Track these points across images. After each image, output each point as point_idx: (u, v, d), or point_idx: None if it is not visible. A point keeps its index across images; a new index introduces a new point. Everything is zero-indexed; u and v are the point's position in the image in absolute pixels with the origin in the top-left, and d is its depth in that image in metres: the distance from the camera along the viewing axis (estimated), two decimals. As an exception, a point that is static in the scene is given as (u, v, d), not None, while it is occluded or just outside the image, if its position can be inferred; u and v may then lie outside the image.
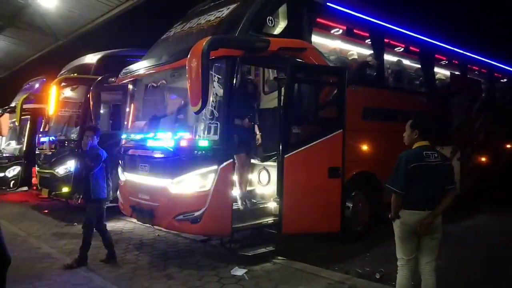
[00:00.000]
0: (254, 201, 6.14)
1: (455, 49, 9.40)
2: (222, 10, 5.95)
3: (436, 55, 9.05)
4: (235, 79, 5.17)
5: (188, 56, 4.65)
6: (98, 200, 5.48)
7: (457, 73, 9.41)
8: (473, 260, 5.60)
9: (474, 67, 10.43)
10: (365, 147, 6.67)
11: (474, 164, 9.00)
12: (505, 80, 11.78)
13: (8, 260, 3.83)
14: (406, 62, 8.71)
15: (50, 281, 4.84)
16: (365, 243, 6.33)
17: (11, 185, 11.25)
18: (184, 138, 5.49)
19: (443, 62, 9.47)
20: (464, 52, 9.70)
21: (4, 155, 11.85)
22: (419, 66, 8.71)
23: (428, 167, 3.64)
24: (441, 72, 9.48)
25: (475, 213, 8.48)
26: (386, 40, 7.70)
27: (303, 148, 5.50)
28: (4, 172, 11.25)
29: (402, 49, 8.43)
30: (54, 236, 7.11)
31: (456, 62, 9.68)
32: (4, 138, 12.36)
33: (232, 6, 5.90)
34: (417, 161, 3.64)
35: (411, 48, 8.53)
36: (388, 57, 7.92)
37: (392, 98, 7.34)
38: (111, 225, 7.73)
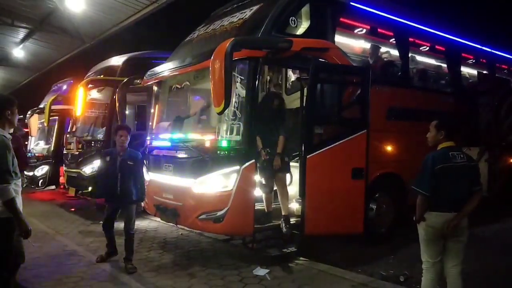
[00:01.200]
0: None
1: (483, 47, 9.17)
2: (245, 12, 5.98)
3: (463, 54, 8.84)
4: (257, 79, 5.18)
5: (212, 57, 4.69)
6: (136, 201, 5.54)
7: (484, 72, 9.18)
8: (500, 266, 5.43)
9: (502, 66, 10.15)
10: (389, 148, 6.58)
11: (502, 165, 8.76)
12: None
13: (18, 264, 3.68)
14: (432, 61, 8.55)
15: (77, 278, 4.95)
16: (389, 245, 6.24)
17: (40, 184, 11.53)
18: (207, 138, 5.53)
19: (470, 61, 9.25)
20: (492, 50, 9.44)
21: (33, 154, 12.17)
22: (445, 65, 8.53)
23: (455, 168, 3.57)
24: (469, 71, 9.25)
25: (504, 217, 8.23)
26: (411, 39, 7.57)
27: (326, 148, 5.47)
28: (33, 171, 11.57)
29: (428, 48, 8.28)
30: (80, 234, 7.28)
31: (484, 60, 9.43)
32: (33, 138, 12.74)
33: (255, 7, 5.92)
34: (443, 162, 3.58)
35: (436, 47, 8.36)
36: (413, 56, 7.80)
37: (417, 98, 7.20)
38: (136, 224, 7.85)
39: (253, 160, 5.16)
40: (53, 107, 10.61)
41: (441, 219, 3.58)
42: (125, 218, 5.44)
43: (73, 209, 9.69)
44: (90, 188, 8.69)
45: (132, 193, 5.38)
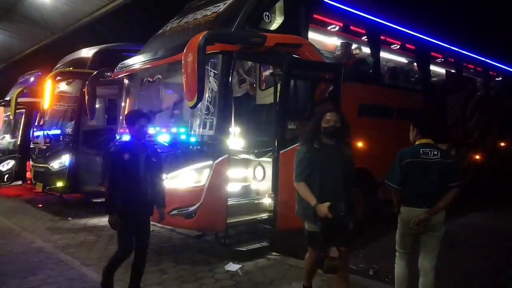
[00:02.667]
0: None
1: (451, 47, 9.42)
2: (219, 5, 5.93)
3: (432, 53, 9.06)
4: (231, 74, 5.16)
5: (184, 50, 4.64)
6: (162, 207, 4.31)
7: (452, 71, 9.44)
8: (467, 259, 5.61)
9: (469, 66, 10.45)
10: (360, 144, 6.67)
11: (468, 162, 9.05)
12: (500, 78, 11.83)
13: None
14: (402, 59, 8.73)
15: (44, 276, 4.82)
16: (359, 239, 6.34)
17: (5, 179, 11.24)
18: (179, 133, 5.48)
19: (439, 60, 9.49)
20: (460, 50, 9.71)
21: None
22: (415, 63, 8.72)
23: (424, 163, 3.64)
24: (437, 70, 9.49)
25: (470, 211, 8.51)
26: (382, 37, 7.70)
27: (298, 144, 5.49)
28: (-3, 165, 11.22)
29: (398, 46, 8.44)
30: (48, 230, 7.09)
31: (452, 60, 9.70)
32: (-2, 132, 12.33)
33: (229, 1, 5.87)
34: (411, 158, 3.68)
35: (407, 45, 8.54)
36: (384, 55, 7.93)
37: (388, 95, 7.34)
38: (106, 220, 7.73)
39: (226, 155, 5.15)
40: (20, 99, 10.32)
41: (411, 214, 3.65)
42: (144, 232, 4.18)
43: (40, 205, 9.43)
44: (58, 184, 8.48)
45: (159, 199, 4.24)
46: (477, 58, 10.51)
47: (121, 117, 6.94)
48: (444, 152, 3.80)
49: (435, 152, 3.70)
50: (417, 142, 3.82)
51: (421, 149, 3.71)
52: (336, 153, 3.59)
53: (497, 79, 11.77)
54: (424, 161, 3.66)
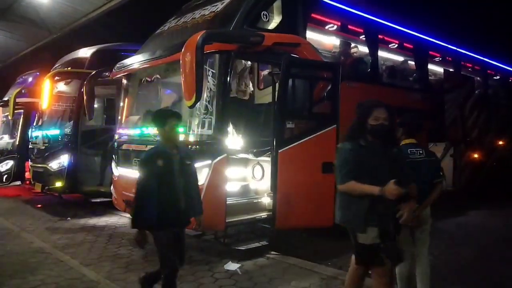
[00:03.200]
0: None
1: (449, 46, 9.44)
2: (217, 5, 5.93)
3: (430, 52, 9.08)
4: (229, 73, 5.16)
5: (182, 50, 4.64)
6: (200, 215, 3.93)
7: (450, 70, 9.45)
8: (463, 257, 5.64)
9: (467, 64, 10.47)
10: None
11: (467, 160, 9.07)
12: (498, 77, 11.85)
13: None
14: (400, 58, 8.74)
15: (43, 276, 4.81)
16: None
17: (4, 180, 11.20)
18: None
19: (437, 59, 9.50)
20: (458, 49, 9.73)
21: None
22: (413, 62, 8.73)
23: (413, 163, 3.75)
24: (435, 69, 9.51)
25: (468, 210, 8.54)
26: (380, 36, 7.71)
27: (297, 143, 5.52)
28: (-5, 164, 11.21)
29: (396, 45, 8.46)
30: (47, 230, 7.08)
31: (450, 59, 9.72)
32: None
33: (226, 1, 5.89)
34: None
35: (405, 44, 8.55)
36: (382, 54, 7.94)
37: (386, 94, 7.34)
38: (105, 220, 7.75)
39: (225, 155, 5.16)
40: (18, 100, 10.26)
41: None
42: (183, 244, 3.84)
43: (39, 205, 9.41)
44: (57, 184, 8.48)
45: (196, 206, 3.85)
46: (475, 57, 10.53)
47: (119, 117, 6.95)
48: (428, 151, 4.01)
49: (421, 151, 3.88)
50: (402, 143, 3.92)
51: (409, 149, 3.86)
52: (385, 151, 3.16)
53: (495, 77, 11.78)
54: (413, 161, 3.78)
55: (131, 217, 3.66)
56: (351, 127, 3.27)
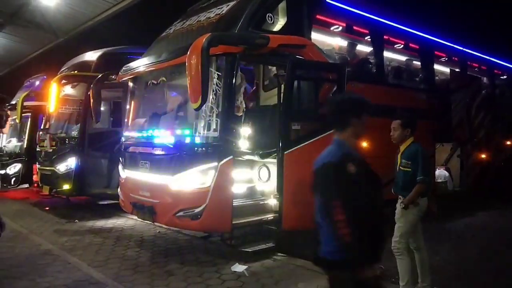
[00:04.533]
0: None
1: (455, 46, 9.39)
2: (222, 7, 5.95)
3: (436, 52, 9.04)
4: (234, 75, 5.18)
5: (188, 53, 4.66)
6: None
7: (457, 70, 9.40)
8: (471, 257, 5.61)
9: (474, 64, 10.41)
10: (365, 144, 6.66)
11: (474, 161, 9.01)
12: (505, 77, 11.76)
13: None
14: (405, 58, 8.70)
15: (52, 278, 4.85)
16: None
17: (12, 182, 11.29)
18: (184, 135, 5.50)
19: (443, 59, 9.46)
20: (464, 49, 9.68)
21: (5, 152, 11.86)
22: (419, 63, 8.70)
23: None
24: (441, 69, 9.46)
25: (475, 210, 8.49)
26: (385, 37, 7.69)
27: (303, 144, 5.52)
28: (5, 169, 11.28)
29: (402, 46, 8.43)
30: (55, 233, 7.13)
31: (456, 59, 9.67)
32: (4, 136, 12.40)
33: (231, 3, 5.90)
34: None
35: (410, 45, 8.52)
36: (388, 54, 7.92)
37: (392, 95, 7.33)
38: (112, 222, 7.79)
39: (231, 157, 5.17)
40: (25, 103, 10.40)
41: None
42: None
43: (47, 208, 9.47)
44: (65, 186, 8.53)
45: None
46: (482, 57, 10.46)
47: (126, 120, 6.98)
48: None
49: None
50: (408, 141, 4.16)
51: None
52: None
53: (502, 77, 11.70)
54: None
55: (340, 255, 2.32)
56: None
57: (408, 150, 4.16)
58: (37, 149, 9.96)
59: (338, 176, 2.33)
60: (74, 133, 9.01)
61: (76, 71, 9.62)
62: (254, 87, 7.80)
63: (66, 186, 8.54)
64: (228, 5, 5.91)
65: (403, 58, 8.68)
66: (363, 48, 7.58)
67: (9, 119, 11.84)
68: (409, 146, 4.16)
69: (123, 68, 6.73)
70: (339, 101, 2.82)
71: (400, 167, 4.21)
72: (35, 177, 10.41)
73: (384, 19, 7.50)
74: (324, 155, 2.51)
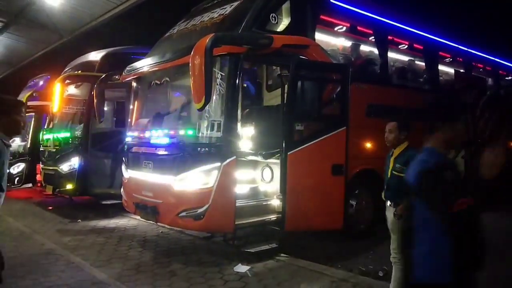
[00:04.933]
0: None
1: (459, 47, 9.35)
2: (225, 8, 5.95)
3: (440, 53, 9.00)
4: (238, 76, 5.17)
5: (191, 53, 4.66)
6: None
7: (461, 70, 9.36)
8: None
9: (478, 65, 10.37)
10: (369, 145, 6.65)
11: (478, 162, 8.96)
12: (510, 77, 11.71)
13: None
14: (409, 59, 8.67)
15: (55, 277, 4.85)
16: (368, 241, 6.32)
17: (16, 182, 11.33)
18: (187, 135, 5.50)
19: (447, 60, 9.41)
20: (469, 50, 9.64)
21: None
22: (423, 63, 8.67)
23: None
24: (446, 70, 9.42)
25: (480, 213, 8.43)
26: (390, 38, 7.66)
27: (306, 145, 5.50)
28: (9, 169, 11.29)
29: (406, 46, 8.40)
30: (58, 232, 7.14)
31: (461, 59, 9.62)
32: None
33: (235, 3, 5.90)
34: None
35: (415, 45, 8.49)
36: (392, 55, 7.89)
37: (396, 95, 7.30)
38: (115, 222, 7.79)
39: (234, 157, 5.16)
40: (29, 103, 10.42)
41: None
42: None
43: (50, 208, 9.49)
44: (68, 186, 8.55)
45: None
46: (487, 57, 10.41)
47: (129, 120, 6.98)
48: None
49: None
50: (404, 144, 3.99)
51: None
52: None
53: (507, 78, 11.65)
54: None
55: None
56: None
57: (404, 155, 3.91)
58: (41, 149, 9.99)
59: (437, 182, 2.17)
60: (78, 133, 9.02)
61: (80, 71, 9.63)
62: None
63: (69, 186, 8.56)
64: (231, 5, 5.91)
65: (407, 58, 8.65)
66: (366, 48, 7.57)
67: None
68: (405, 151, 3.95)
69: (127, 68, 6.73)
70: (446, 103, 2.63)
71: (393, 172, 3.97)
72: (39, 177, 10.45)
73: (388, 20, 7.47)
74: (421, 159, 2.33)
